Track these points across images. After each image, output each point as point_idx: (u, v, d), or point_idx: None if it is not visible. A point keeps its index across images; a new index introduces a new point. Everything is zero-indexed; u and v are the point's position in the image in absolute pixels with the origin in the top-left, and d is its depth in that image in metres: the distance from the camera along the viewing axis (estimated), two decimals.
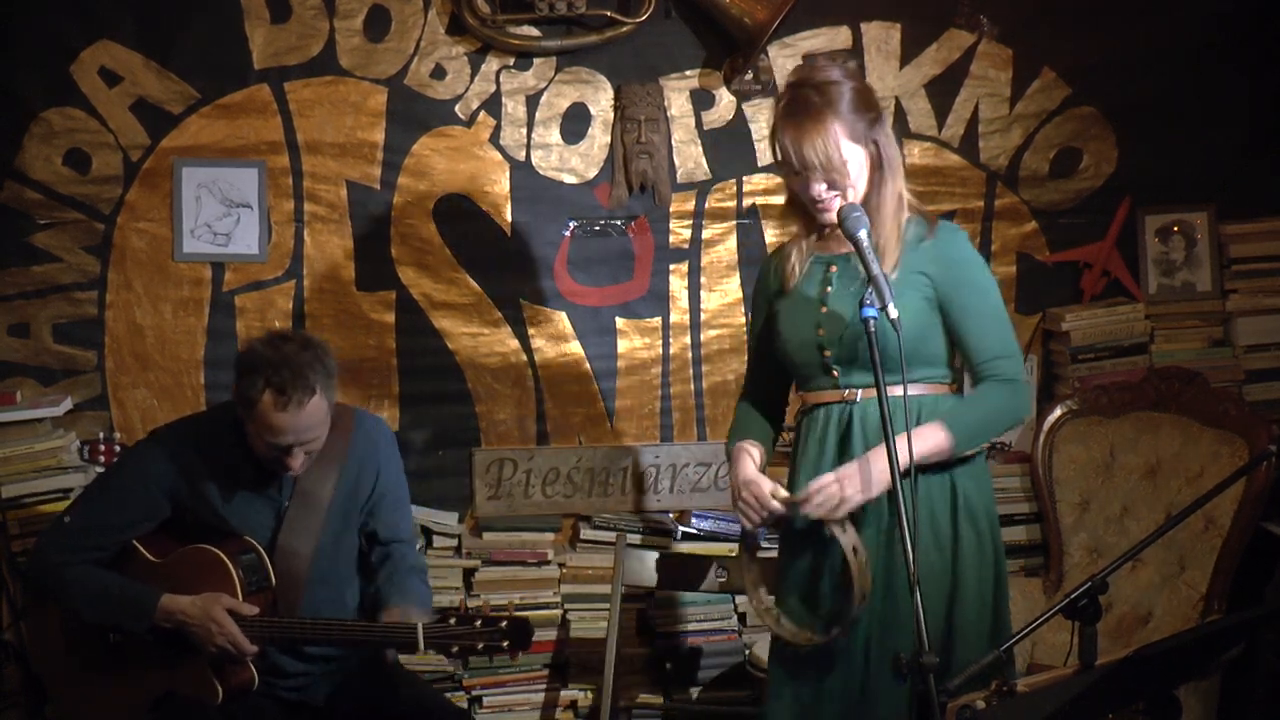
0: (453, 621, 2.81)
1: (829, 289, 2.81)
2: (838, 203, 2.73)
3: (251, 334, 3.85)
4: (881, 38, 3.95)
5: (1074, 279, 4.08)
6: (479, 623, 2.79)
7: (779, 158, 2.75)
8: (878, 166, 2.76)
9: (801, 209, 2.82)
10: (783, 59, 3.91)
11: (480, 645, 2.80)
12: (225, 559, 2.98)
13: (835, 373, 2.81)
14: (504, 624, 2.79)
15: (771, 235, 3.95)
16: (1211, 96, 4.02)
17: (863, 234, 2.66)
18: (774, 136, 2.76)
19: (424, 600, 3.09)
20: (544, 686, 3.87)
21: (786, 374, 2.92)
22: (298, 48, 3.82)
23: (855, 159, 2.71)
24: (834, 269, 2.82)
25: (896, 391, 2.63)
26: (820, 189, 2.72)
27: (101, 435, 3.79)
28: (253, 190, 3.84)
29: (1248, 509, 3.60)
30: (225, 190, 3.83)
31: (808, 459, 2.83)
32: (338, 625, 2.99)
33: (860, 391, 2.79)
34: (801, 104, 2.69)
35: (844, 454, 2.79)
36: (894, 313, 2.57)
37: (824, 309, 2.79)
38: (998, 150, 4.02)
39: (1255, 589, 3.65)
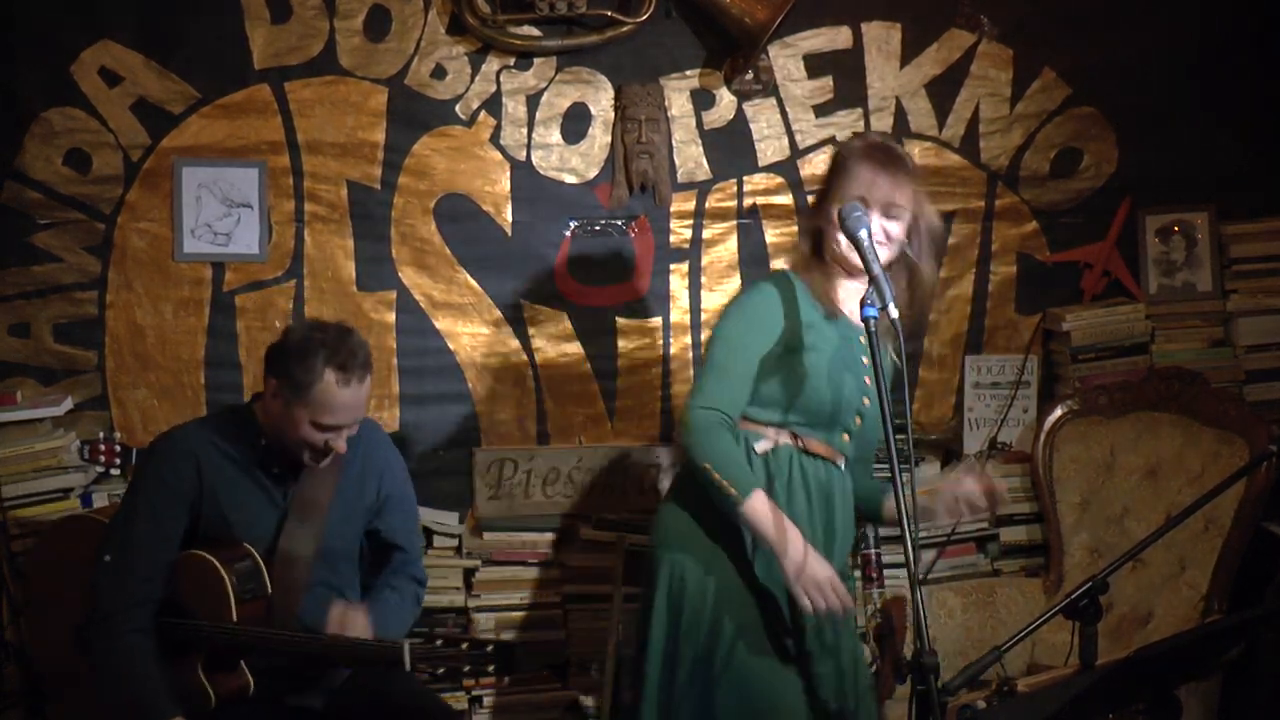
0: (440, 643, 2.81)
1: (866, 359, 2.88)
2: (883, 253, 2.82)
3: (252, 334, 3.85)
4: (882, 38, 3.95)
5: (1074, 279, 4.08)
6: (466, 645, 2.79)
7: (859, 189, 2.82)
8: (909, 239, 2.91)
9: (819, 270, 2.90)
10: (783, 59, 3.91)
11: (467, 668, 2.80)
12: (218, 566, 2.95)
13: (847, 436, 2.91)
14: (490, 648, 2.78)
15: (772, 236, 3.95)
16: (1212, 97, 4.02)
17: (863, 234, 2.69)
18: (845, 173, 2.85)
19: (389, 616, 3.10)
20: (544, 686, 3.87)
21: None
22: (298, 48, 3.81)
23: (908, 217, 2.88)
24: (863, 339, 2.85)
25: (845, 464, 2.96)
26: (892, 228, 2.84)
27: (102, 435, 3.78)
28: (253, 190, 3.84)
29: (1248, 509, 3.61)
30: (226, 190, 3.83)
31: (797, 508, 2.85)
32: (325, 640, 2.98)
33: (844, 461, 2.94)
34: (898, 153, 2.90)
35: (828, 520, 2.90)
36: (894, 312, 2.60)
37: (869, 380, 2.87)
38: (998, 150, 4.02)
39: (1256, 589, 3.65)
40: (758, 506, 2.74)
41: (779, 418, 2.87)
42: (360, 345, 2.98)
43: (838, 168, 2.90)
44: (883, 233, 2.83)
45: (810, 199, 3.02)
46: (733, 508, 2.75)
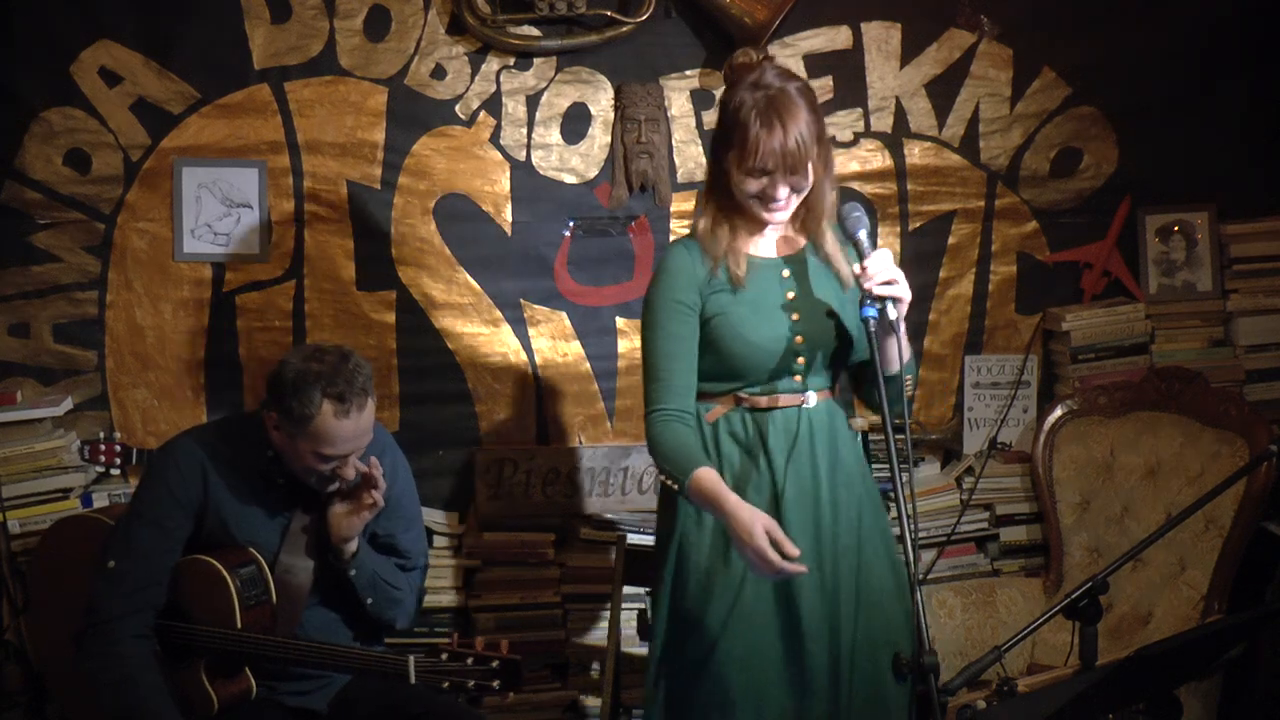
0: (444, 657, 2.81)
1: (792, 293, 2.82)
2: (794, 202, 2.77)
3: (252, 334, 3.85)
4: (882, 37, 3.95)
5: (1074, 279, 4.09)
6: (470, 660, 2.79)
7: (746, 158, 2.72)
8: (822, 167, 2.80)
9: (733, 213, 2.81)
10: (783, 59, 3.90)
11: (471, 683, 2.80)
12: (223, 570, 2.95)
13: (799, 377, 2.83)
14: (495, 664, 2.78)
15: None
16: (1212, 96, 4.02)
17: (862, 234, 2.70)
18: (735, 133, 2.73)
19: (382, 565, 3.12)
20: (544, 686, 3.87)
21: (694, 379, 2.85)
22: (298, 48, 3.81)
23: (813, 158, 2.75)
24: (787, 273, 2.85)
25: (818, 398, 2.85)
26: (784, 189, 2.74)
27: (102, 435, 3.79)
28: (253, 190, 3.84)
29: (1248, 509, 3.60)
30: (226, 190, 3.83)
31: (759, 466, 2.81)
32: (329, 649, 2.98)
33: (815, 395, 2.85)
34: (778, 103, 2.72)
35: (814, 460, 2.83)
36: (893, 313, 2.60)
37: (796, 315, 2.81)
38: (998, 150, 4.02)
39: (1256, 589, 3.65)
40: (696, 489, 2.68)
41: (720, 386, 2.84)
42: (358, 369, 2.93)
43: (732, 126, 2.75)
44: (788, 190, 2.75)
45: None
46: (683, 496, 2.73)
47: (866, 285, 2.64)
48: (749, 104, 2.73)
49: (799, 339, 2.80)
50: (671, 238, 3.95)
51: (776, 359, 2.79)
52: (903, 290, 2.67)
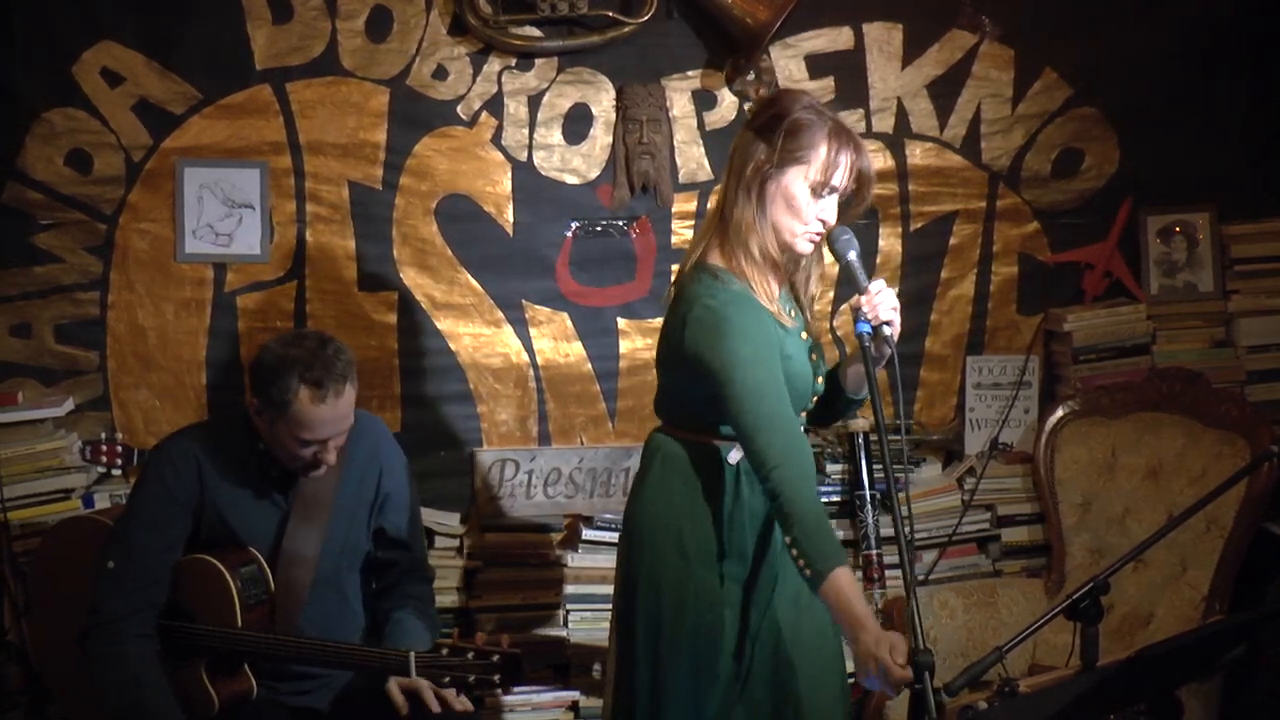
0: (445, 652, 2.82)
1: (805, 333, 2.80)
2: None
3: (254, 335, 3.85)
4: (883, 38, 3.95)
5: (1076, 279, 4.09)
6: (471, 655, 2.80)
7: (826, 172, 2.63)
8: None
9: (766, 254, 2.69)
10: (785, 59, 3.91)
11: (472, 678, 2.80)
12: (224, 571, 2.95)
13: (805, 413, 2.81)
14: (496, 658, 2.79)
15: None
16: (1213, 97, 4.02)
17: (853, 255, 2.67)
18: (808, 151, 2.63)
19: (422, 642, 3.04)
20: (545, 687, 3.87)
21: None
22: (299, 48, 3.82)
23: None
24: (792, 312, 2.81)
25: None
26: (835, 213, 2.70)
27: (103, 436, 3.79)
28: (255, 191, 3.84)
29: (1250, 509, 3.61)
30: (227, 191, 3.83)
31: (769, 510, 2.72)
32: (331, 647, 2.98)
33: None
34: (849, 130, 2.69)
35: None
36: (887, 348, 2.60)
37: (814, 355, 2.79)
38: (1000, 151, 4.02)
39: (1257, 589, 3.65)
40: (835, 586, 2.46)
41: None
42: (337, 355, 2.93)
43: (802, 144, 2.63)
44: (819, 219, 2.68)
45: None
46: (810, 586, 2.51)
47: (871, 315, 2.59)
48: (820, 123, 2.64)
49: (819, 378, 2.80)
50: (673, 239, 3.95)
51: (809, 399, 2.77)
52: (898, 323, 2.63)
